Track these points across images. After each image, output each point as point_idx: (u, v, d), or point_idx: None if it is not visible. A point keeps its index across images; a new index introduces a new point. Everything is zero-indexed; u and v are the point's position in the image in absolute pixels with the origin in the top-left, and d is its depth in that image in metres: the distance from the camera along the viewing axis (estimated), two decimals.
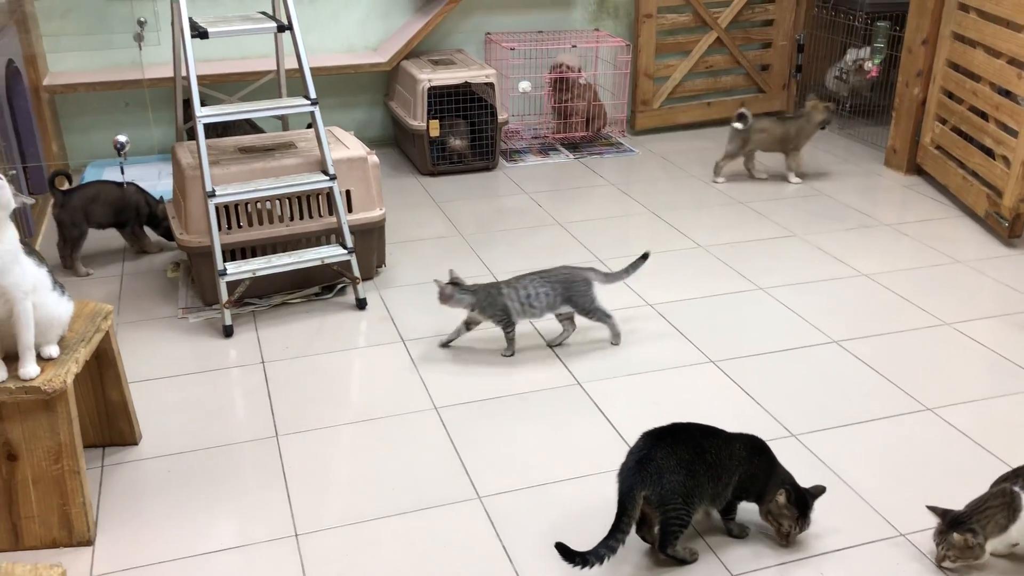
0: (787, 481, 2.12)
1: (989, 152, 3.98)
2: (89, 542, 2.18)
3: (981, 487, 2.13)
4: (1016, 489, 1.94)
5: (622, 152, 5.07)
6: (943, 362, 2.94)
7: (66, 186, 3.53)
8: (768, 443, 2.17)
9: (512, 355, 2.98)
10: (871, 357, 2.96)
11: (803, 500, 2.10)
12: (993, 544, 1.98)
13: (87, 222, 3.54)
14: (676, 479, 2.01)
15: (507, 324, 2.97)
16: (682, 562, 2.09)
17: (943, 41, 4.33)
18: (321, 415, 2.68)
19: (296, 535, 2.20)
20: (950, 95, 4.32)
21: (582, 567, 1.96)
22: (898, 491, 2.34)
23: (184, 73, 3.14)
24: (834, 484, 2.35)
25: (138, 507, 2.30)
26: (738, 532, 2.18)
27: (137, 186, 3.68)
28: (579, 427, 2.61)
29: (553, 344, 3.05)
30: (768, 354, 2.99)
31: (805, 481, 2.16)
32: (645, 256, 3.06)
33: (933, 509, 2.06)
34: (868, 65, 5.19)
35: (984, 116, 4.01)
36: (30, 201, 2.10)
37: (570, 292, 2.97)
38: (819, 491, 2.14)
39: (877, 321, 3.20)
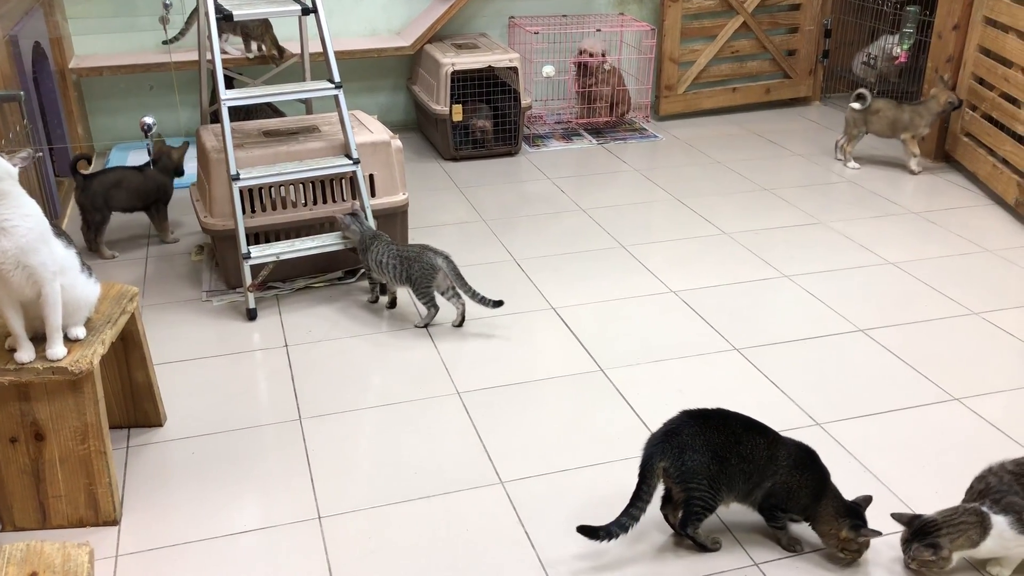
0: (840, 510, 2.01)
1: (1020, 139, 3.92)
2: (115, 521, 2.20)
3: None
4: (985, 509, 1.97)
5: (646, 137, 5.03)
6: (971, 351, 2.91)
7: (87, 170, 3.55)
8: (820, 456, 2.07)
9: (392, 308, 3.14)
10: (897, 346, 2.93)
11: (859, 517, 2.02)
12: (961, 555, 1.98)
13: (107, 207, 3.56)
14: (699, 459, 1.99)
15: (371, 277, 3.14)
16: (702, 548, 2.08)
17: (975, 26, 4.26)
18: (344, 399, 2.68)
19: (319, 517, 2.21)
20: (981, 81, 4.25)
21: (607, 540, 1.98)
22: (924, 481, 2.31)
23: (209, 56, 3.14)
24: (859, 473, 2.34)
25: (163, 488, 2.32)
26: (787, 544, 2.10)
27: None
28: (601, 414, 2.61)
29: (454, 324, 3.05)
30: (793, 342, 2.97)
31: (831, 471, 2.13)
32: (498, 303, 2.99)
33: (898, 517, 2.03)
34: (897, 51, 5.12)
35: (1016, 103, 3.95)
36: (36, 155, 2.07)
37: (410, 271, 2.98)
38: (867, 501, 2.06)
39: (904, 310, 3.16)
